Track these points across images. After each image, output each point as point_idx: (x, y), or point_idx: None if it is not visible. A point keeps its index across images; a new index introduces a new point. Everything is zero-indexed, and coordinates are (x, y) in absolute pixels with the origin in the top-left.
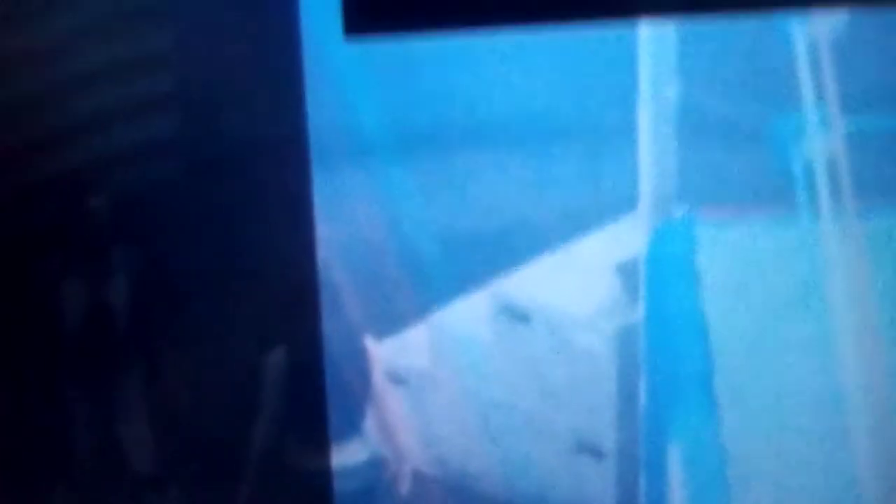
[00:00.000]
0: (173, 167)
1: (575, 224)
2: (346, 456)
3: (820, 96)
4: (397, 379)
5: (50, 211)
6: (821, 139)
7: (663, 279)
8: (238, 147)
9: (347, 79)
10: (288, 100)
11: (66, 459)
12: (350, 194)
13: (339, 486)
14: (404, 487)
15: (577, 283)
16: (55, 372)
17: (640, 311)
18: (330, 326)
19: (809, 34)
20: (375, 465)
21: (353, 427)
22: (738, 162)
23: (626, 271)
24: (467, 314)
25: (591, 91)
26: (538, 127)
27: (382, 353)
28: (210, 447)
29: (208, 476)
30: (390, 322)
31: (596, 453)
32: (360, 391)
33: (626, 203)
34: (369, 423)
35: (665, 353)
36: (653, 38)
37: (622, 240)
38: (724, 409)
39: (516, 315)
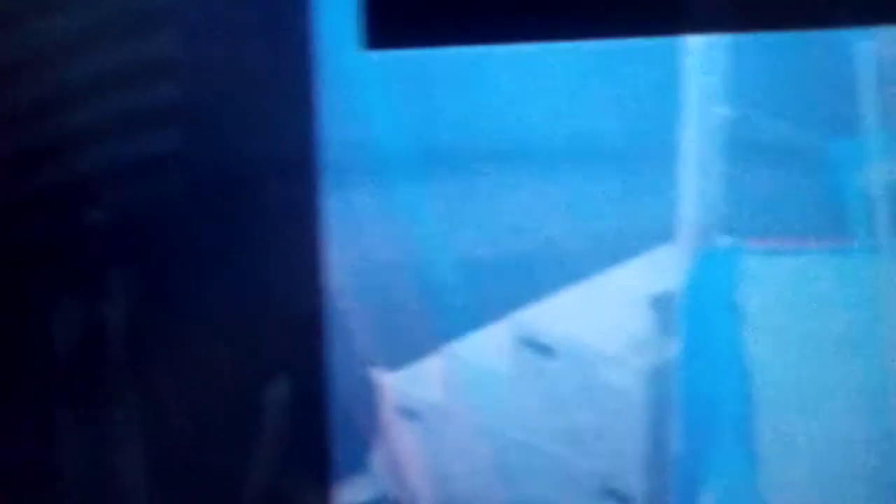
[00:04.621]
0: (175, 183)
1: (606, 252)
2: (350, 495)
3: (883, 120)
4: (408, 413)
5: (45, 225)
6: (882, 167)
7: (701, 313)
8: (245, 162)
9: (364, 91)
10: (300, 112)
11: (56, 487)
12: (363, 215)
13: None
14: None
15: (607, 316)
16: (46, 395)
17: (674, 348)
18: (337, 356)
19: (875, 52)
20: None
21: (358, 464)
22: (788, 189)
23: (661, 304)
24: (486, 346)
25: (628, 107)
26: (568, 146)
27: (393, 385)
28: (206, 481)
29: None
30: (403, 352)
31: (622, 501)
32: (368, 425)
33: (663, 231)
34: (376, 460)
35: (701, 394)
36: (700, 50)
37: (658, 270)
38: (764, 457)
39: (539, 348)
